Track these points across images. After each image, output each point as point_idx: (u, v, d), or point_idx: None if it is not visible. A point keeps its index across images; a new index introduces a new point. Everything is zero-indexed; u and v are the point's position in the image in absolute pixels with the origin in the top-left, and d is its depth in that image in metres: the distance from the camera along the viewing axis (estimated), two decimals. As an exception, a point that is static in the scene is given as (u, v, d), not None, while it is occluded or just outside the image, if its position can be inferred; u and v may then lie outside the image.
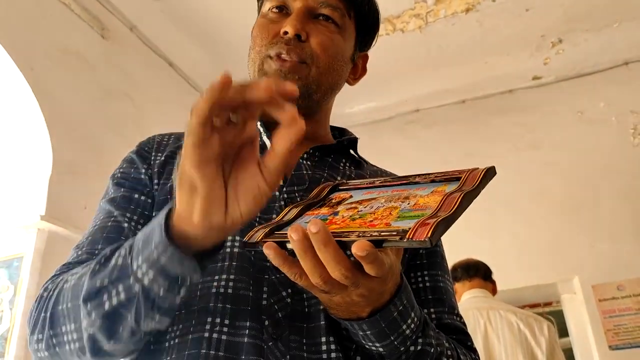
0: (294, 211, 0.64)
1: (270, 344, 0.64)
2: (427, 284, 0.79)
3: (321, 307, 0.68)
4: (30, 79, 2.28)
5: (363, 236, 0.50)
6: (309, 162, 0.82)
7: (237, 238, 0.70)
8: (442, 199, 0.55)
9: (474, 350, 0.77)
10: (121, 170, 0.83)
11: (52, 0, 2.54)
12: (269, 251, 0.53)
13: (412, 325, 0.62)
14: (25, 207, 2.22)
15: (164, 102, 3.19)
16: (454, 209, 0.52)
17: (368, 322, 0.59)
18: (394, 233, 0.50)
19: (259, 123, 0.84)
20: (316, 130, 0.89)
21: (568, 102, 3.70)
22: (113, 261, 0.59)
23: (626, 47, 3.53)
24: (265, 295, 0.68)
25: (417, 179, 0.64)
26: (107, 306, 0.57)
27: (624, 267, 3.16)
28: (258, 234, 0.58)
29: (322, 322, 0.67)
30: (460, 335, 0.77)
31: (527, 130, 3.71)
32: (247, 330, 0.65)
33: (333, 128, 0.96)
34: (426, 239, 0.47)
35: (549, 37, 3.43)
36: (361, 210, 0.59)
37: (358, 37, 0.91)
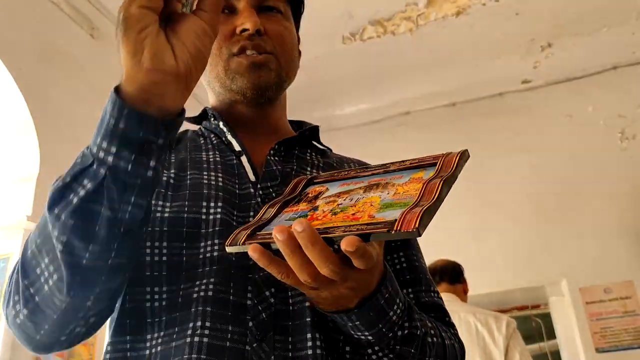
0: (272, 209, 0.63)
1: (254, 345, 0.64)
2: (404, 265, 0.80)
3: (306, 304, 0.68)
4: (19, 79, 2.26)
5: (349, 231, 0.50)
6: (276, 158, 0.81)
7: (217, 241, 0.69)
8: (422, 186, 0.55)
9: (452, 325, 0.80)
10: None
11: (41, 0, 2.52)
12: (255, 254, 0.53)
13: (399, 311, 0.63)
14: (11, 207, 2.20)
15: (153, 102, 3.17)
16: (436, 196, 0.53)
17: (357, 313, 0.59)
18: (380, 225, 0.50)
19: (221, 123, 0.83)
20: (279, 119, 0.90)
21: (557, 105, 3.73)
22: (71, 167, 0.56)
23: (614, 52, 3.57)
24: (249, 295, 0.67)
25: (392, 167, 0.64)
26: (75, 201, 0.54)
27: (611, 270, 3.19)
28: (240, 237, 0.57)
29: (308, 319, 0.67)
30: (438, 312, 0.79)
31: (516, 133, 3.73)
32: (230, 334, 0.64)
33: (290, 122, 0.96)
34: (414, 230, 0.47)
35: (539, 41, 3.45)
36: (341, 204, 0.59)
37: (296, 19, 0.92)
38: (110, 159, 0.52)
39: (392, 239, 0.51)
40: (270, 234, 0.53)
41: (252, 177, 0.78)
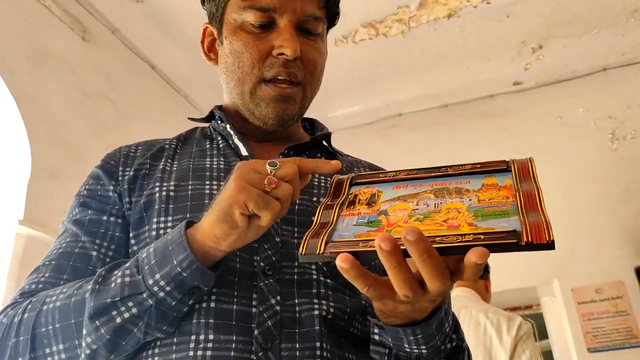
0: (330, 212, 0.59)
1: (260, 354, 0.63)
2: None
3: (315, 313, 0.67)
4: (9, 82, 2.25)
5: (466, 241, 0.47)
6: None
7: None
8: (516, 195, 0.53)
9: None
10: (87, 187, 0.80)
11: (31, 2, 2.51)
12: (345, 264, 0.49)
13: (451, 322, 0.62)
14: (3, 211, 2.18)
15: (146, 105, 3.16)
16: (544, 207, 0.50)
17: (423, 325, 0.58)
18: (502, 235, 0.47)
19: (228, 126, 0.82)
20: (292, 130, 0.88)
21: (548, 107, 3.75)
22: (118, 280, 0.62)
23: (604, 54, 3.59)
24: (254, 303, 0.66)
25: (450, 171, 0.61)
26: (118, 320, 0.61)
27: (602, 270, 3.20)
28: (316, 244, 0.53)
29: (317, 327, 0.66)
30: None
31: (508, 134, 3.75)
32: (234, 344, 0.63)
33: (302, 119, 0.95)
34: (549, 241, 0.45)
35: (530, 43, 3.47)
36: (418, 209, 0.55)
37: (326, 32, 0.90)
38: (161, 294, 0.60)
39: (520, 251, 0.46)
40: (352, 241, 0.51)
41: None
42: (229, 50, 0.80)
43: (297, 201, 0.73)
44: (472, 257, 0.45)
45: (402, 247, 0.47)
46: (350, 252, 0.49)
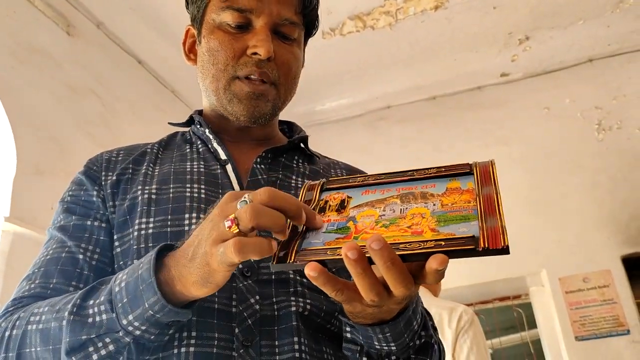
0: None
1: (241, 351, 0.65)
2: None
3: (292, 309, 0.69)
4: (-7, 77, 2.22)
5: (427, 248, 0.49)
6: (262, 166, 0.82)
7: None
8: (476, 199, 0.55)
9: (435, 329, 0.82)
10: (70, 193, 0.82)
11: (14, -4, 2.47)
12: (314, 272, 0.51)
13: (420, 320, 0.64)
14: (-11, 208, 2.16)
15: (133, 100, 3.14)
16: (501, 211, 0.52)
17: (391, 324, 0.60)
18: (461, 241, 0.48)
19: (207, 130, 0.84)
20: (270, 132, 0.91)
21: (535, 98, 3.77)
22: (95, 316, 0.60)
23: (590, 45, 3.62)
24: (234, 303, 0.68)
25: (416, 175, 0.62)
26: (95, 357, 0.60)
27: (589, 259, 3.24)
28: (287, 254, 0.55)
29: (294, 323, 0.68)
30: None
31: (496, 126, 3.77)
32: (216, 341, 0.65)
33: (281, 122, 0.98)
34: (504, 247, 0.47)
35: (516, 35, 3.49)
36: (384, 215, 0.57)
37: (305, 39, 0.93)
38: (138, 332, 0.59)
39: (477, 256, 0.48)
40: (321, 249, 0.52)
41: (236, 187, 0.79)
42: (206, 49, 0.83)
43: None
44: (432, 264, 0.48)
45: (367, 255, 0.49)
46: (318, 261, 0.52)
